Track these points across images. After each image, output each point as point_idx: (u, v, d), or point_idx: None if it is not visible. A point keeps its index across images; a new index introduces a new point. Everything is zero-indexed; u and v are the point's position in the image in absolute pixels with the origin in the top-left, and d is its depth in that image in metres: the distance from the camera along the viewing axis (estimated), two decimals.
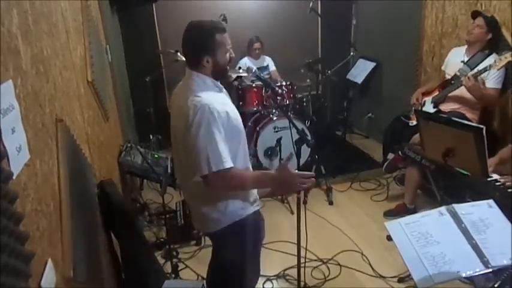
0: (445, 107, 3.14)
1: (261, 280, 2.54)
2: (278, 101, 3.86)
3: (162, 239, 3.04)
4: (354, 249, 2.91)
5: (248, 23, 4.74)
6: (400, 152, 3.14)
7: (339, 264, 2.74)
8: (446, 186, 2.62)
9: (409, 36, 4.06)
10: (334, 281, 2.61)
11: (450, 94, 3.07)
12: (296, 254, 2.06)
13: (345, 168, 4.01)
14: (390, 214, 3.24)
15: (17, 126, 0.96)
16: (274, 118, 3.73)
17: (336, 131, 5.16)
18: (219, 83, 1.76)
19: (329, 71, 4.35)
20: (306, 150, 3.59)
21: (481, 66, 2.82)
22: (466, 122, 2.44)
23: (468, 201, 1.67)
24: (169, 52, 3.95)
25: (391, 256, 2.72)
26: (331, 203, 3.57)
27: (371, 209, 3.44)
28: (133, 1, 4.06)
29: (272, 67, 4.72)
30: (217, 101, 1.62)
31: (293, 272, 2.59)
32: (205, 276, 2.16)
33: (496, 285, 1.55)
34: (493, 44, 2.95)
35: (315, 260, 2.78)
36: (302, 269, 2.14)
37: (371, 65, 4.79)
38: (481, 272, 1.41)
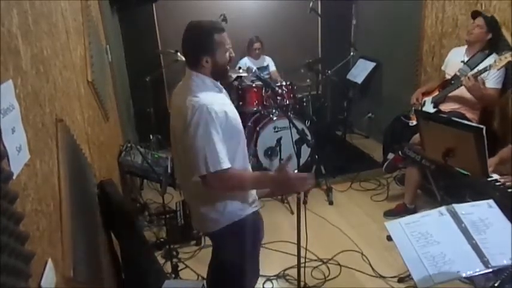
0: (445, 107, 3.14)
1: (261, 280, 2.54)
2: (278, 101, 3.86)
3: (162, 239, 3.04)
4: (354, 249, 2.91)
5: (248, 23, 4.74)
6: (400, 152, 3.14)
7: (339, 264, 2.74)
8: (446, 186, 2.62)
9: (409, 36, 4.06)
10: (334, 281, 2.61)
11: (450, 94, 3.07)
12: (296, 254, 2.06)
13: (345, 168, 4.01)
14: (390, 214, 3.24)
15: (17, 126, 0.96)
16: (274, 118, 3.73)
17: (336, 131, 5.16)
18: (218, 83, 1.76)
19: (329, 71, 4.35)
20: (306, 150, 3.59)
21: (481, 66, 2.82)
22: (466, 122, 2.44)
23: (468, 201, 1.67)
24: (169, 52, 3.95)
25: (391, 256, 2.72)
26: (331, 203, 3.57)
27: (371, 209, 3.44)
28: (134, 1, 4.06)
29: (272, 67, 4.72)
30: (216, 101, 1.62)
31: (293, 272, 2.59)
32: (205, 276, 2.16)
33: (495, 285, 1.55)
34: (493, 44, 2.95)
35: (315, 260, 2.78)
36: (302, 269, 2.14)
37: (371, 65, 4.79)
38: (481, 272, 1.41)
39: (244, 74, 3.77)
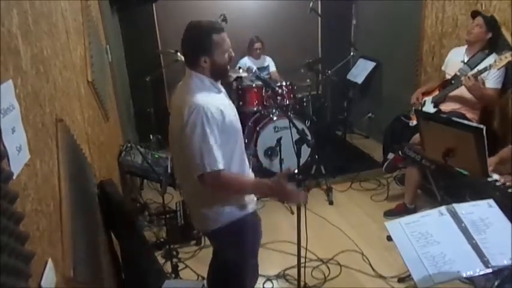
0: (445, 107, 3.14)
1: (261, 280, 2.54)
2: (278, 101, 3.86)
3: (162, 239, 3.04)
4: (354, 249, 2.91)
5: (248, 23, 4.74)
6: (400, 152, 3.14)
7: (339, 264, 2.74)
8: (446, 186, 2.61)
9: (409, 36, 4.06)
10: (334, 281, 2.61)
11: (450, 94, 3.07)
12: (296, 254, 2.06)
13: (345, 168, 4.01)
14: (390, 214, 3.24)
15: (17, 126, 0.96)
16: (275, 118, 3.73)
17: (336, 131, 5.15)
18: (218, 83, 1.76)
19: (329, 71, 4.34)
20: (306, 150, 3.58)
21: (481, 66, 2.82)
22: (466, 122, 2.44)
23: (468, 201, 1.67)
24: (169, 52, 3.95)
25: (391, 256, 2.72)
26: (331, 203, 3.57)
27: (371, 209, 3.44)
28: (134, 1, 4.06)
29: (272, 67, 4.71)
30: (213, 101, 1.62)
31: (293, 272, 2.59)
32: (205, 276, 2.17)
33: (495, 285, 1.55)
34: (493, 43, 2.95)
35: (315, 260, 2.78)
36: (302, 269, 2.13)
37: (371, 65, 4.79)
38: (481, 272, 1.41)
39: (244, 74, 3.77)
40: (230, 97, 1.88)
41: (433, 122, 2.33)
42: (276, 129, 3.69)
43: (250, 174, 1.91)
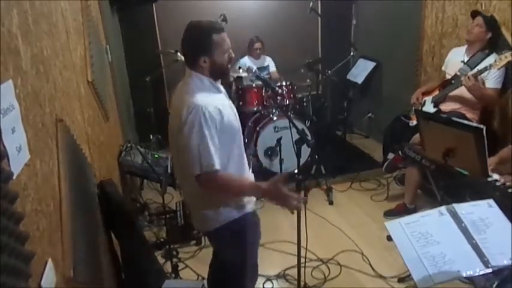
0: (445, 106, 3.14)
1: (261, 280, 2.54)
2: (278, 101, 3.85)
3: (162, 239, 3.04)
4: (354, 249, 2.91)
5: (248, 23, 4.74)
6: (400, 152, 3.14)
7: (339, 264, 2.74)
8: (446, 186, 2.61)
9: (409, 36, 4.06)
10: (334, 281, 2.61)
11: (450, 94, 3.07)
12: (296, 254, 2.06)
13: (345, 168, 4.01)
14: (390, 214, 3.24)
15: (17, 126, 0.96)
16: (275, 118, 3.73)
17: (336, 131, 5.16)
18: (218, 83, 1.76)
19: (329, 71, 4.34)
20: (306, 150, 3.58)
21: (481, 66, 2.82)
22: (466, 122, 2.44)
23: (468, 201, 1.67)
24: (169, 52, 3.95)
25: (391, 256, 2.72)
26: (331, 203, 3.57)
27: (371, 209, 3.44)
28: (134, 1, 4.06)
29: (272, 67, 4.71)
30: (212, 101, 1.62)
31: (293, 272, 2.59)
32: (205, 276, 2.16)
33: (495, 285, 1.55)
34: (493, 43, 2.96)
35: (315, 260, 2.78)
36: (302, 269, 2.13)
37: (371, 64, 4.79)
38: (481, 272, 1.41)
39: (244, 74, 3.77)
40: (230, 97, 1.88)
41: (433, 122, 2.33)
42: (276, 129, 3.69)
43: (249, 175, 1.92)
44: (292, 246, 2.80)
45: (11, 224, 0.82)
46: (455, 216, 1.57)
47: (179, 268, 2.59)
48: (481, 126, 1.97)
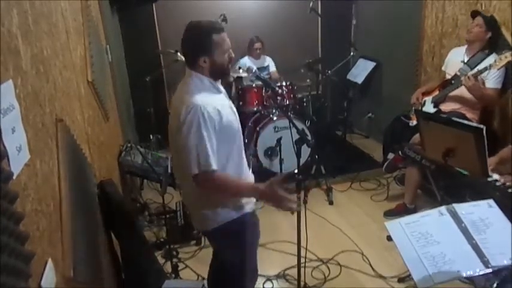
0: (445, 106, 3.14)
1: (261, 280, 2.54)
2: (278, 101, 3.86)
3: (162, 239, 3.04)
4: (354, 249, 2.91)
5: (248, 23, 4.74)
6: (400, 152, 3.14)
7: (339, 264, 2.74)
8: (446, 186, 2.61)
9: (409, 36, 4.06)
10: (334, 281, 2.61)
11: (450, 94, 3.07)
12: (296, 254, 2.06)
13: (345, 168, 4.01)
14: (390, 214, 3.24)
15: (17, 126, 0.96)
16: (275, 118, 3.73)
17: (336, 131, 5.16)
18: (218, 83, 1.76)
19: (329, 71, 4.34)
20: (306, 150, 3.59)
21: (481, 66, 2.82)
22: (466, 122, 2.44)
23: (468, 201, 1.67)
24: (169, 52, 3.95)
25: (391, 256, 2.72)
26: (331, 203, 3.57)
27: (371, 209, 3.44)
28: (134, 1, 4.07)
29: (272, 67, 4.71)
30: (211, 102, 1.62)
31: (293, 272, 2.59)
32: (205, 276, 2.17)
33: (495, 285, 1.55)
34: (493, 43, 2.96)
35: (315, 260, 2.78)
36: (302, 269, 2.13)
37: (371, 64, 4.79)
38: (481, 272, 1.41)
39: (244, 74, 3.77)
40: (230, 97, 1.88)
41: (433, 122, 2.33)
42: (276, 129, 3.69)
43: (249, 175, 1.91)
44: (292, 246, 2.80)
45: (11, 224, 0.82)
46: (455, 216, 1.57)
47: (179, 268, 2.59)
48: (481, 126, 1.97)
